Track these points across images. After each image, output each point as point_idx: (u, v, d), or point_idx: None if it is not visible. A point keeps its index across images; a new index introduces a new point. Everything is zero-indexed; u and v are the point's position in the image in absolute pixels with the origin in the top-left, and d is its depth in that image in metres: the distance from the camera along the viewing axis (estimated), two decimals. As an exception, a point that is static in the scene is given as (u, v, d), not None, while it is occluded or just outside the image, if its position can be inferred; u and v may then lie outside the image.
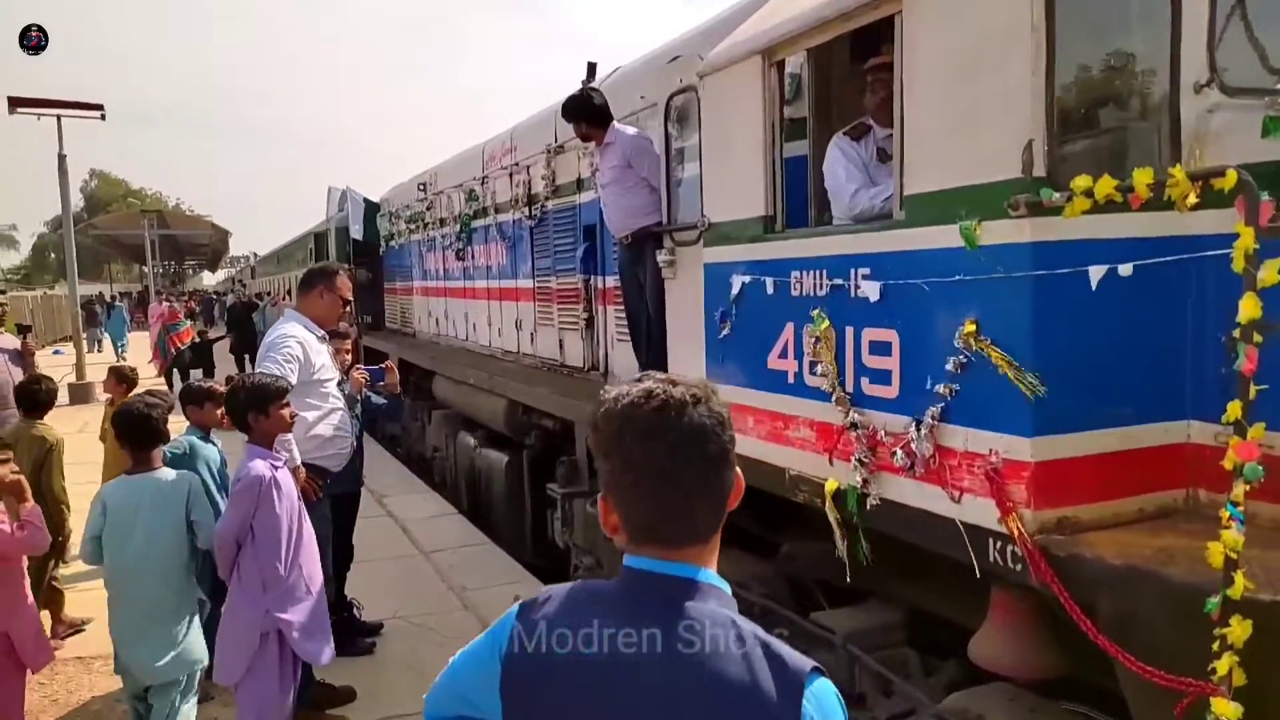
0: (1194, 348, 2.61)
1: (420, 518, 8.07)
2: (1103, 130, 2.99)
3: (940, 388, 2.74)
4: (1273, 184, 2.09)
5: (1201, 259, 2.48)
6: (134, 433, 3.72)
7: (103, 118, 16.82)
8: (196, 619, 3.74)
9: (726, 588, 1.26)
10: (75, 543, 4.71)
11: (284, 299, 19.82)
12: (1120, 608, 2.28)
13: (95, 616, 4.63)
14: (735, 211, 3.85)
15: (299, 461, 4.19)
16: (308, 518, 3.83)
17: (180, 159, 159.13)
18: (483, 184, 8.58)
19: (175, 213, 52.68)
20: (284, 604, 3.60)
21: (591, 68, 6.14)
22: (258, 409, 3.67)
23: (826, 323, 3.21)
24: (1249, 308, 1.95)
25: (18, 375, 6.29)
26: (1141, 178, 2.19)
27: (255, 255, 45.16)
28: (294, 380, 4.30)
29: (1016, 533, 2.48)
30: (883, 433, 3.00)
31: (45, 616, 4.70)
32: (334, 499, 4.75)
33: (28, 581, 3.80)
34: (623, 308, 5.45)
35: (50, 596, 5.23)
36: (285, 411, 3.74)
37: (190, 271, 71.51)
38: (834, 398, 3.18)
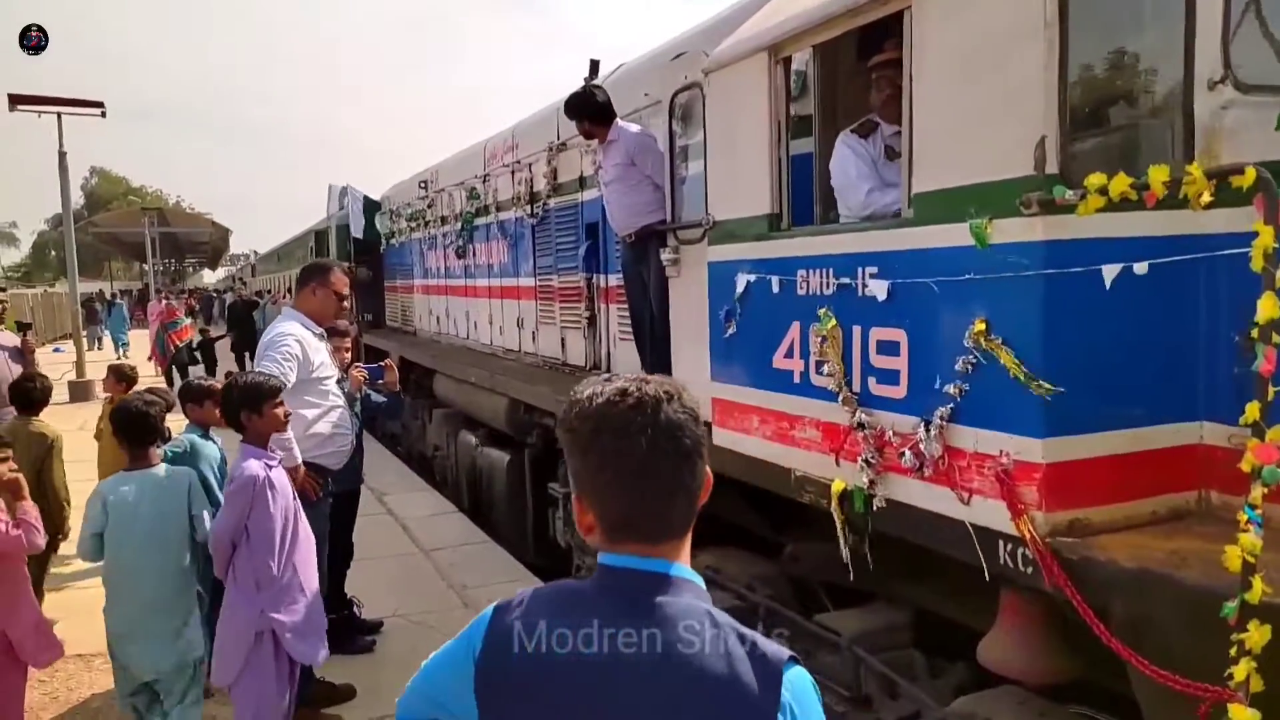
0: (1207, 348, 2.57)
1: (420, 516, 8.05)
2: (1114, 127, 2.96)
3: (949, 388, 2.71)
4: (1289, 181, 2.05)
5: (1213, 258, 2.45)
6: (131, 429, 3.71)
7: (103, 115, 16.78)
8: (197, 612, 3.73)
9: (701, 581, 1.28)
10: (71, 540, 4.68)
11: (284, 297, 19.78)
12: (1133, 611, 2.25)
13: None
14: (740, 209, 3.81)
15: (300, 460, 4.16)
16: (304, 517, 3.80)
17: (180, 157, 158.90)
18: (484, 182, 8.55)
19: (176, 210, 52.57)
20: (278, 604, 3.58)
21: (595, 65, 6.11)
22: (251, 408, 3.64)
23: (833, 322, 3.18)
24: (1268, 307, 1.91)
25: (17, 372, 6.25)
26: (1157, 175, 2.16)
27: (256, 253, 45.20)
28: (293, 379, 4.27)
29: (1028, 535, 2.45)
30: (890, 433, 2.97)
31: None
32: (334, 497, 4.73)
33: (29, 580, 3.78)
34: (625, 306, 5.42)
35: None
36: (279, 410, 3.71)
37: (191, 269, 71.51)
38: (841, 398, 3.15)
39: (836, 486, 3.20)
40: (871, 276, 3.03)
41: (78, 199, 57.22)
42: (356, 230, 12.98)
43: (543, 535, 6.96)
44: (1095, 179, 2.26)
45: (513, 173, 7.73)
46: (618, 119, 5.11)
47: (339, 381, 4.77)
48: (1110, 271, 2.44)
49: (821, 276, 3.28)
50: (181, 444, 4.38)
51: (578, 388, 1.29)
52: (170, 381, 14.74)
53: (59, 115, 16.15)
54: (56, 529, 5.16)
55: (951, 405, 2.71)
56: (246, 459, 3.59)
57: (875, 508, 3.04)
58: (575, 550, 5.95)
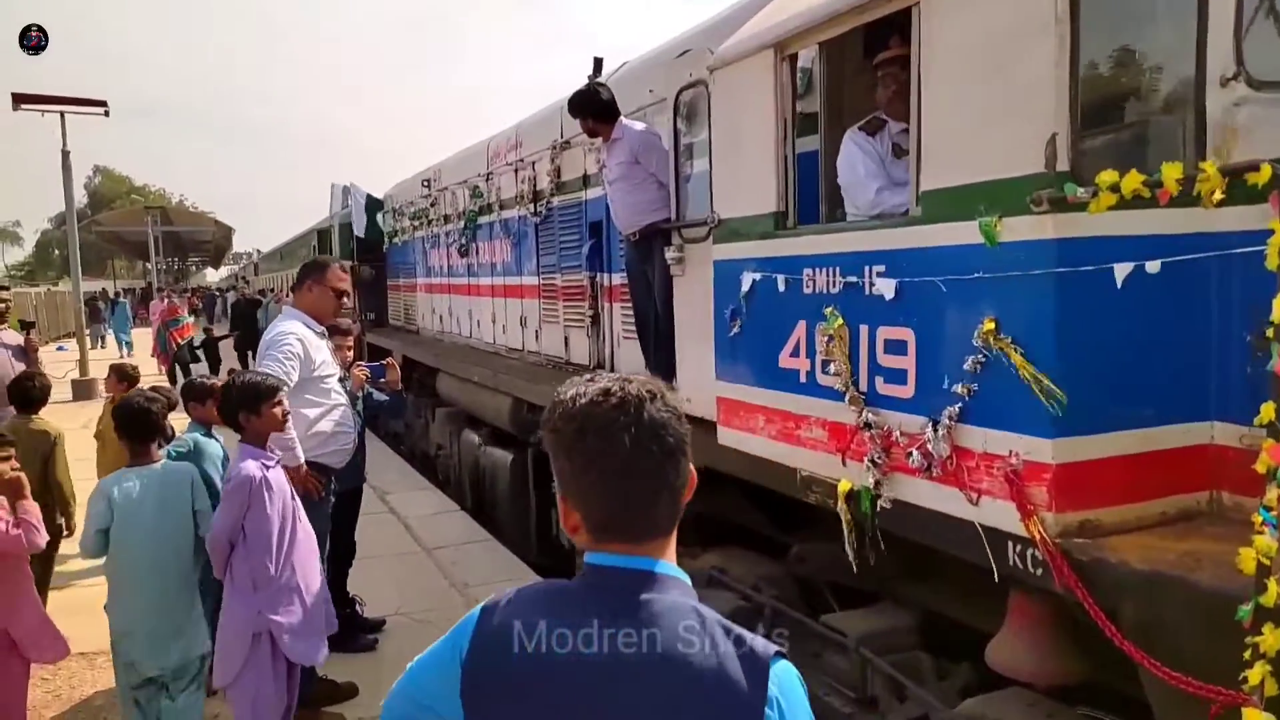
0: (1218, 347, 2.55)
1: (423, 514, 8.05)
2: (1125, 124, 2.93)
3: (958, 387, 2.68)
4: (1303, 179, 2.03)
5: (1226, 256, 2.43)
6: (133, 426, 3.70)
7: (106, 114, 16.80)
8: (200, 609, 3.72)
9: (686, 578, 1.29)
10: (72, 538, 4.67)
11: (286, 296, 19.79)
12: (1145, 613, 2.23)
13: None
14: (746, 207, 3.79)
15: (302, 460, 4.15)
16: (304, 517, 3.79)
17: (182, 157, 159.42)
18: (487, 180, 8.53)
19: (178, 209, 52.58)
20: (275, 605, 3.57)
21: (599, 63, 6.09)
22: (249, 408, 3.63)
23: (840, 321, 3.16)
24: (1284, 307, 1.88)
25: (20, 371, 6.25)
26: (1170, 172, 2.13)
27: (258, 252, 45.18)
28: (295, 378, 4.26)
29: (1038, 536, 2.42)
30: (898, 433, 2.95)
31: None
32: (336, 495, 4.72)
33: (31, 578, 3.77)
34: (629, 305, 5.40)
35: None
36: (277, 410, 3.69)
37: (194, 268, 71.57)
38: (847, 397, 3.12)
39: (843, 486, 3.17)
40: (879, 275, 3.00)
41: (81, 198, 57.39)
42: (359, 229, 12.98)
43: (545, 534, 6.95)
44: (1107, 176, 2.23)
45: (516, 171, 7.71)
46: (622, 117, 5.09)
47: (341, 380, 4.76)
48: (1122, 270, 2.42)
49: (828, 275, 3.26)
50: (185, 443, 4.38)
51: (561, 388, 1.30)
52: (173, 380, 14.75)
53: (62, 114, 16.16)
54: (63, 525, 5.15)
55: (960, 405, 2.68)
56: (244, 459, 3.58)
57: (882, 508, 3.02)
58: (578, 550, 5.94)
